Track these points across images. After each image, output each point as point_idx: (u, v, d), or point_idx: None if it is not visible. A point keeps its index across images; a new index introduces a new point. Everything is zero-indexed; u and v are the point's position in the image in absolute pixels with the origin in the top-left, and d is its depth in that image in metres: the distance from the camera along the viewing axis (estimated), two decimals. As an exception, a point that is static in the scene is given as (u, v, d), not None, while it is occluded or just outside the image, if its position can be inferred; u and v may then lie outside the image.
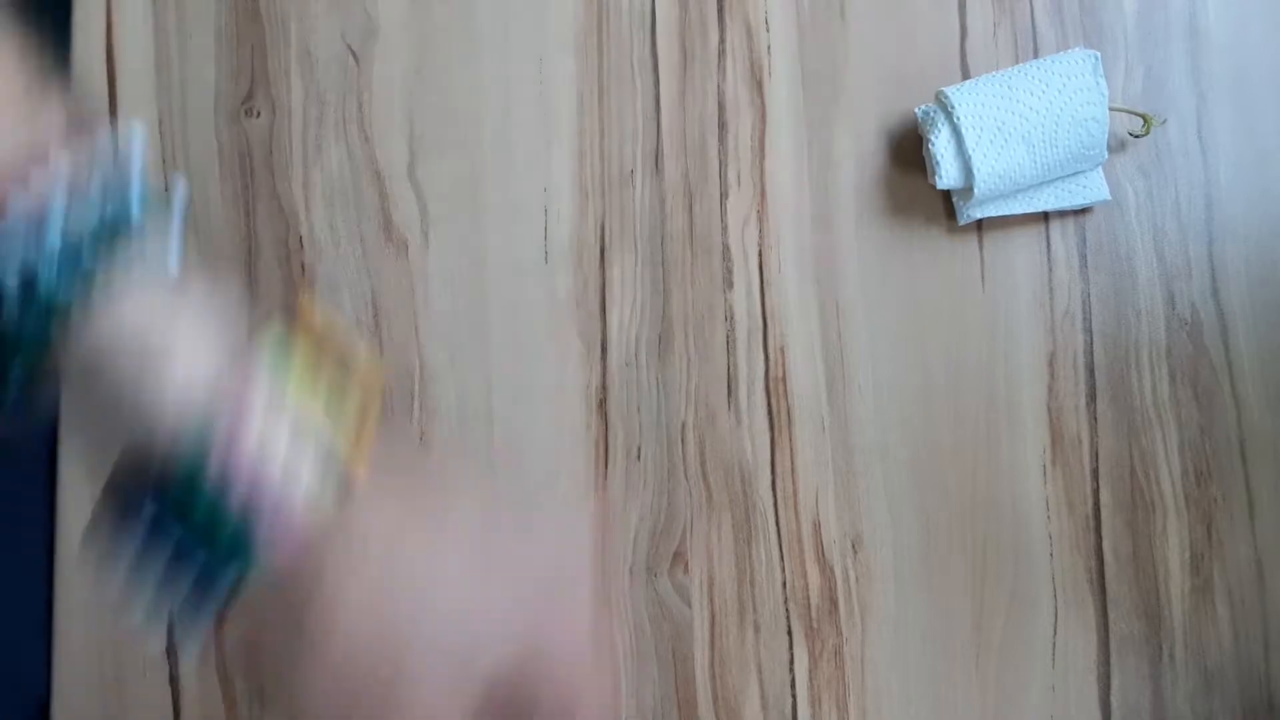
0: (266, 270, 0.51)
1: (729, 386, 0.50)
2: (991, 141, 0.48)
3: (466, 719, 0.28)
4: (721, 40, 0.52)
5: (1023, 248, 0.51)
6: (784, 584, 0.49)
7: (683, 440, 0.50)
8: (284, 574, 0.28)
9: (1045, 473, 0.50)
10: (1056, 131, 0.48)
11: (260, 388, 0.28)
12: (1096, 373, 0.50)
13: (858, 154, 0.52)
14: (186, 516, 0.28)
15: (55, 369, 0.28)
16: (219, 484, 0.27)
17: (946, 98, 0.49)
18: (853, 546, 0.49)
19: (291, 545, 0.28)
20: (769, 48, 0.52)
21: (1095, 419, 0.50)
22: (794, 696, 0.49)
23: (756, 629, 0.49)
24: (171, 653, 0.49)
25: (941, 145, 0.49)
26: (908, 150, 0.51)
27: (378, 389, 0.31)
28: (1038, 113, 0.48)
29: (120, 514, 0.29)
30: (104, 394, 0.28)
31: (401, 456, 0.31)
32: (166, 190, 0.32)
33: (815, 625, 0.49)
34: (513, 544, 0.31)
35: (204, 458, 0.27)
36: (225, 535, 0.28)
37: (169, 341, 0.29)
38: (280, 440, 0.28)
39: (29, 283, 0.27)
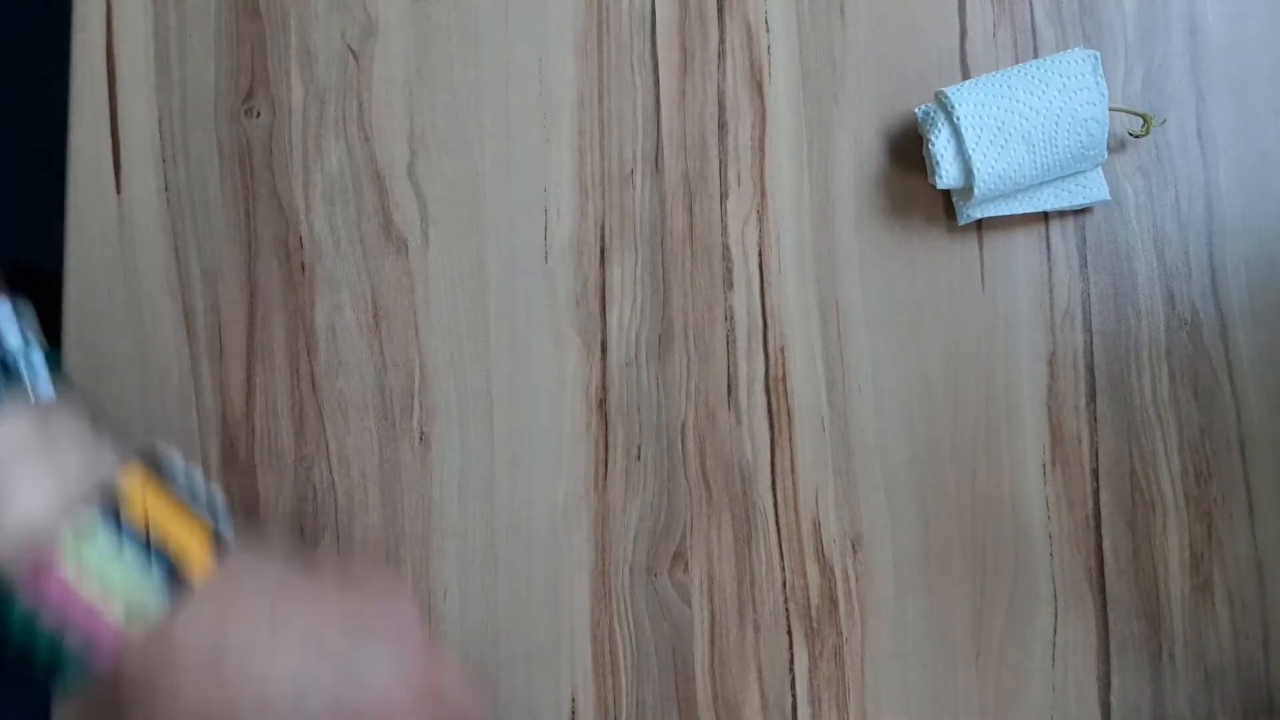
0: (266, 270, 0.51)
1: (729, 386, 0.50)
2: (991, 141, 0.48)
3: None
4: (721, 40, 0.52)
5: (1023, 248, 0.51)
6: (784, 584, 0.49)
7: (683, 440, 0.50)
8: (107, 682, 0.30)
9: (1045, 472, 0.50)
10: (1056, 131, 0.48)
11: (81, 518, 0.30)
12: (1096, 373, 0.50)
13: (858, 154, 0.52)
14: (4, 641, 0.29)
15: None
16: (30, 607, 0.29)
17: (946, 98, 0.49)
18: (853, 546, 0.49)
19: (109, 655, 0.29)
20: (769, 48, 0.52)
21: (1095, 419, 0.50)
22: (794, 696, 0.49)
23: (756, 628, 0.49)
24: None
25: (941, 145, 0.49)
26: (908, 150, 0.51)
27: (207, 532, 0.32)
28: (1038, 113, 0.48)
29: None
30: None
31: (244, 563, 0.33)
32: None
33: (815, 625, 0.49)
34: (343, 633, 0.33)
35: (13, 588, 0.29)
36: (41, 653, 0.29)
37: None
38: (85, 568, 0.30)
39: None
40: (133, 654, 0.30)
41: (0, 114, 0.94)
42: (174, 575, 0.31)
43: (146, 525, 0.31)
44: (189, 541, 0.32)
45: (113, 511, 0.31)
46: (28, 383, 0.32)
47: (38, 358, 0.33)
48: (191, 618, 0.31)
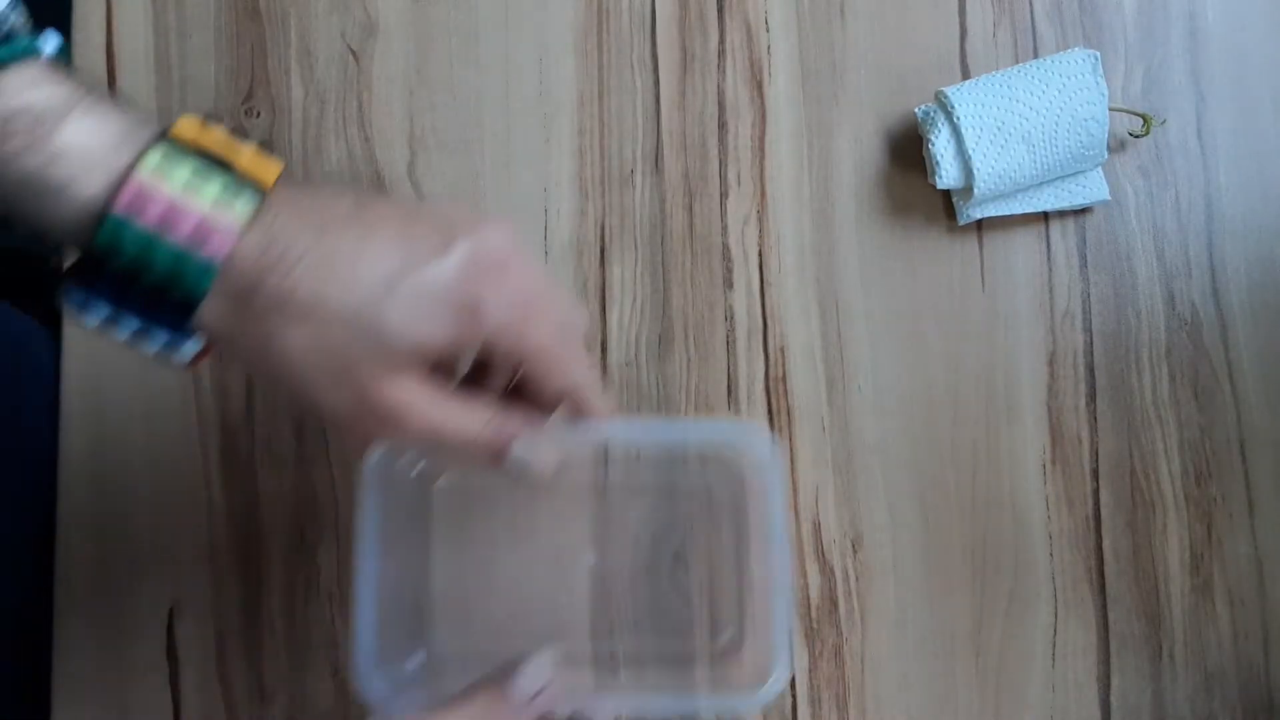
0: (266, 270, 0.51)
1: (729, 386, 0.50)
2: (991, 141, 0.48)
3: (441, 330, 0.33)
4: (721, 40, 0.52)
5: (1023, 248, 0.51)
6: None
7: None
8: (231, 283, 0.31)
9: (1045, 472, 0.50)
10: (1056, 131, 0.48)
11: (152, 151, 0.31)
12: (1096, 372, 0.50)
13: (858, 154, 0.52)
14: (125, 269, 0.31)
15: None
16: (143, 227, 0.30)
17: (946, 98, 0.49)
18: (853, 546, 0.49)
19: (223, 250, 0.31)
20: (769, 48, 0.52)
21: (1095, 419, 0.50)
22: (794, 696, 0.49)
23: (756, 629, 0.49)
24: (171, 653, 0.49)
25: (941, 145, 0.49)
26: (908, 150, 0.51)
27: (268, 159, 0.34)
28: (1038, 113, 0.48)
29: (79, 305, 0.32)
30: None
31: (315, 188, 0.34)
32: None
33: (815, 625, 0.49)
34: (437, 230, 0.34)
35: (119, 215, 0.30)
36: (160, 268, 0.31)
37: (61, 126, 0.31)
38: (176, 186, 0.31)
39: None
40: (244, 253, 0.31)
41: None
42: (256, 188, 0.32)
43: (216, 152, 0.32)
44: (258, 167, 0.33)
45: (181, 141, 0.32)
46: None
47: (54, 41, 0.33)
48: (282, 222, 0.32)
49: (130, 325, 0.32)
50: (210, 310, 0.32)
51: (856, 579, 0.49)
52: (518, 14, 0.53)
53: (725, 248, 0.51)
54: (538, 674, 0.37)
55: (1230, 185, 0.51)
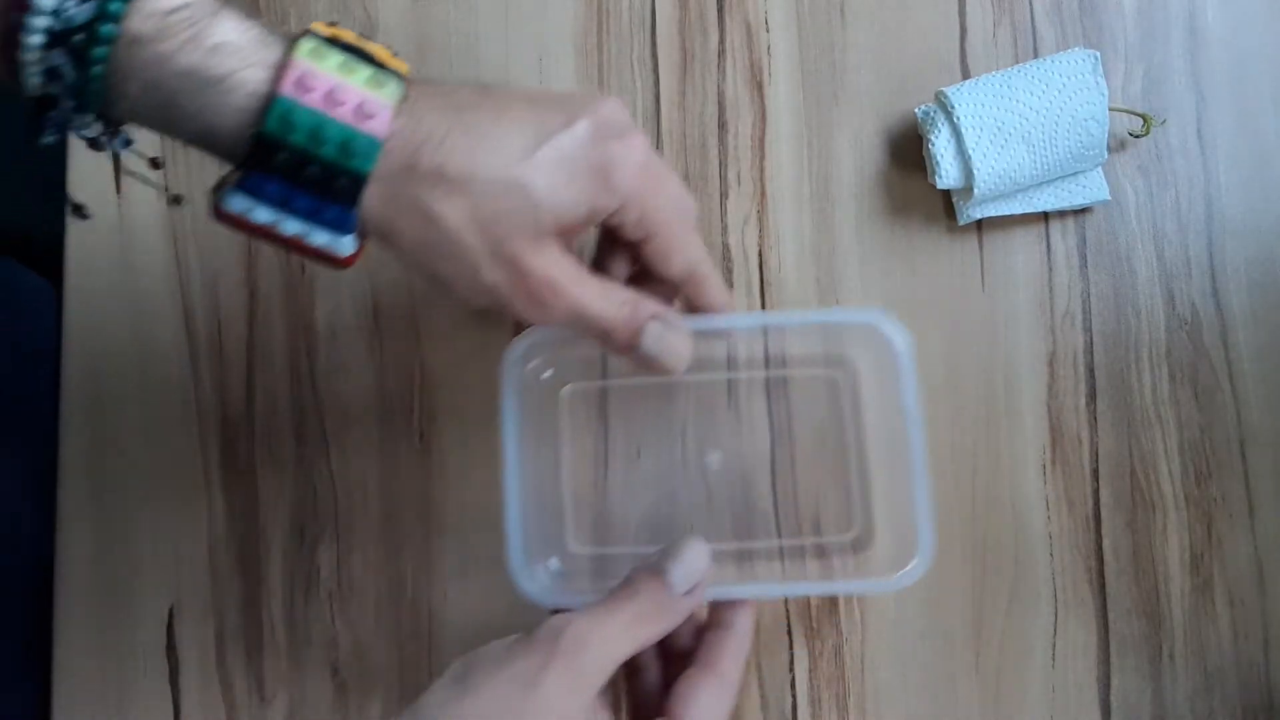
0: (266, 271, 0.51)
1: (729, 386, 0.50)
2: (991, 141, 0.48)
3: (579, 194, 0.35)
4: (721, 40, 0.53)
5: (1022, 248, 0.51)
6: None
7: (683, 440, 0.50)
8: (388, 163, 0.33)
9: (1045, 472, 0.50)
10: (1056, 131, 0.48)
11: (304, 41, 0.33)
12: (1096, 372, 0.50)
13: (858, 154, 0.52)
14: (297, 151, 0.32)
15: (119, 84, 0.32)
16: (310, 108, 0.32)
17: (946, 98, 0.49)
18: (852, 546, 0.49)
19: (383, 128, 0.33)
20: (769, 48, 0.52)
21: (1095, 419, 0.50)
22: (794, 696, 0.49)
23: (756, 629, 0.49)
24: (171, 653, 0.49)
25: (941, 145, 0.49)
26: (908, 150, 0.51)
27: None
28: (1037, 113, 0.48)
29: (244, 208, 0.33)
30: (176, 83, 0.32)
31: (434, 81, 0.36)
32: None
33: (815, 625, 0.49)
34: (561, 109, 0.36)
35: (291, 105, 0.32)
36: (330, 146, 0.32)
37: (216, 31, 0.32)
38: (332, 69, 0.33)
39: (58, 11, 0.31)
40: (398, 133, 0.33)
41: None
42: (399, 75, 0.34)
43: (355, 45, 0.34)
44: (392, 60, 0.35)
45: (322, 36, 0.33)
46: None
47: None
48: (423, 106, 0.34)
49: (294, 221, 0.34)
50: (370, 194, 0.33)
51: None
52: (518, 14, 0.53)
53: (725, 247, 0.51)
54: (695, 563, 0.39)
55: (1230, 185, 0.51)
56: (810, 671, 0.49)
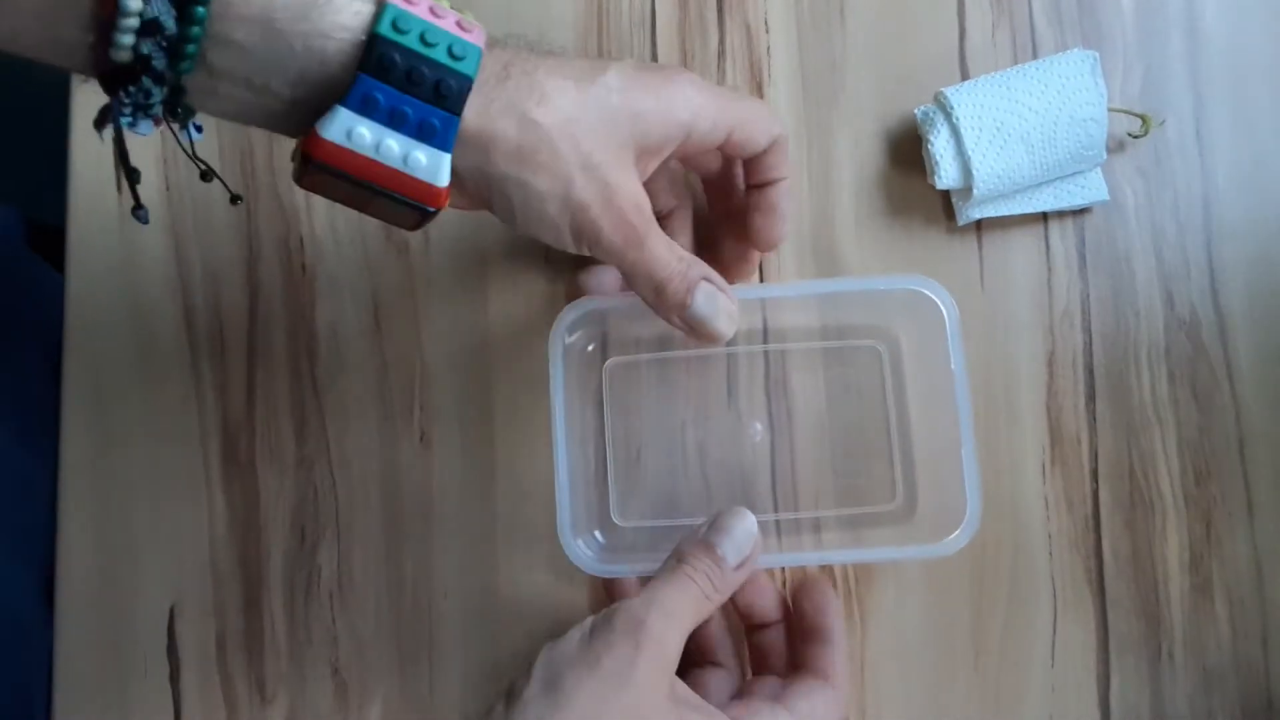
0: (266, 270, 0.51)
1: (729, 387, 0.50)
2: (991, 142, 0.48)
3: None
4: (721, 40, 0.53)
5: (1022, 248, 0.51)
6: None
7: (683, 440, 0.50)
8: (485, 74, 0.35)
9: (1044, 472, 0.50)
10: (1055, 132, 0.48)
11: None
12: (1096, 373, 0.50)
13: (857, 154, 0.52)
14: (409, 56, 0.33)
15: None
16: (419, 21, 0.34)
17: (946, 98, 0.49)
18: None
19: (481, 38, 0.35)
20: (769, 48, 0.53)
21: (1095, 419, 0.50)
22: (794, 696, 0.49)
23: (756, 629, 0.49)
24: (171, 653, 0.49)
25: (941, 145, 0.49)
26: (907, 150, 0.51)
27: None
28: (1037, 113, 0.48)
29: (360, 107, 0.34)
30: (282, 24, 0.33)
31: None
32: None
33: (815, 625, 0.49)
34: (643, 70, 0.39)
35: (401, 12, 0.33)
36: (441, 51, 0.34)
37: None
38: None
39: None
40: (489, 49, 0.36)
41: (0, 115, 0.94)
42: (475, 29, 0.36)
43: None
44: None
45: None
46: None
47: None
48: (501, 42, 0.37)
49: (397, 139, 0.34)
50: (470, 105, 0.34)
51: (856, 579, 0.49)
52: (518, 14, 0.53)
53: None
54: (745, 536, 0.40)
55: (1229, 186, 0.51)
56: (810, 671, 0.49)
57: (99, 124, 0.33)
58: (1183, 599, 0.49)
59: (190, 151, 0.37)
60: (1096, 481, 0.50)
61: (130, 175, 0.37)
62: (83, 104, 0.51)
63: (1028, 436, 0.50)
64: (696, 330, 0.40)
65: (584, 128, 0.36)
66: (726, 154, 0.42)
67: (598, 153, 0.36)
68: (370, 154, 0.34)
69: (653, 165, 0.39)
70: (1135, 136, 0.50)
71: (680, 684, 0.38)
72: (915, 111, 0.51)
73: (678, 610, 0.37)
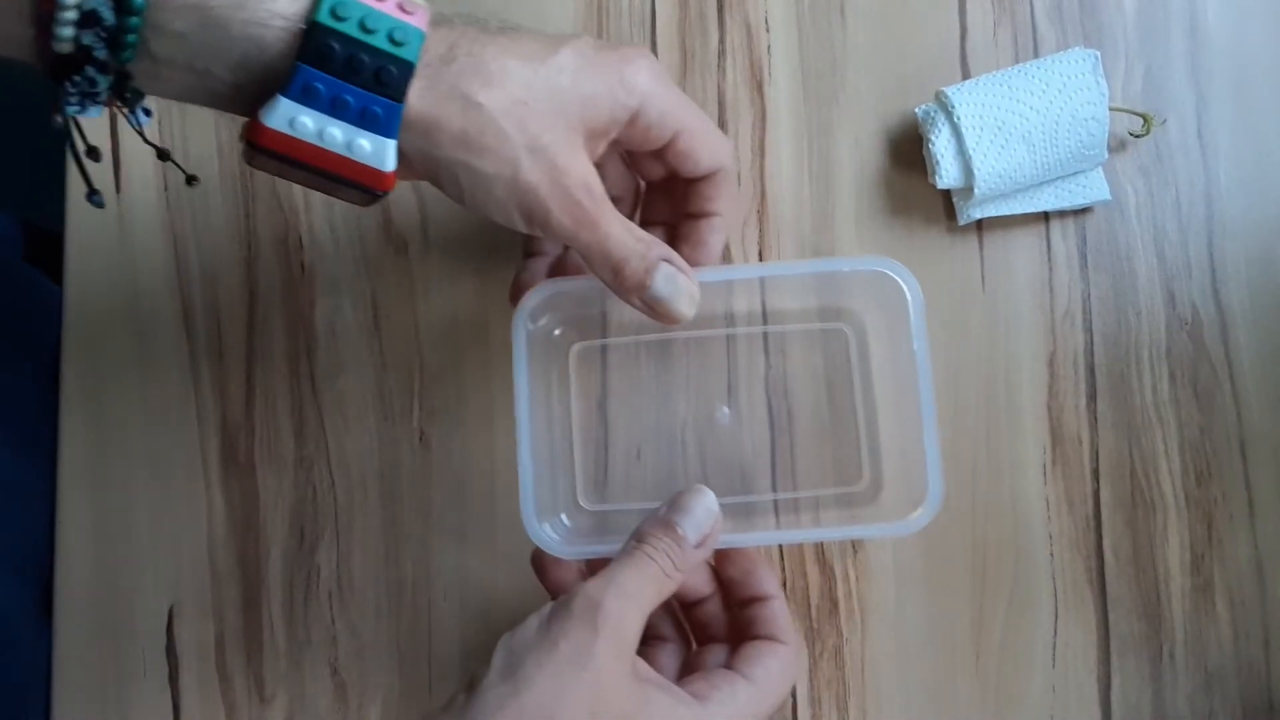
0: (266, 270, 0.51)
1: (729, 387, 0.50)
2: (992, 141, 0.48)
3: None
4: (721, 40, 0.52)
5: (1023, 248, 0.51)
6: (784, 584, 0.49)
7: (683, 440, 0.50)
8: (429, 55, 0.35)
9: (1045, 472, 0.50)
10: (1056, 131, 0.48)
11: None
12: (1097, 373, 0.50)
13: (858, 154, 0.52)
14: (349, 42, 0.33)
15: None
16: (358, 9, 0.33)
17: (946, 97, 0.49)
18: (853, 546, 0.49)
19: (424, 21, 0.35)
20: (769, 48, 0.52)
21: (1095, 419, 0.50)
22: (794, 696, 0.49)
23: (756, 629, 0.49)
24: (171, 653, 0.49)
25: (941, 145, 0.49)
26: (908, 150, 0.51)
27: None
28: (1038, 112, 0.48)
29: (300, 96, 0.34)
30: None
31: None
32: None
33: (815, 625, 0.49)
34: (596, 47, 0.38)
35: (338, 1, 0.33)
36: (380, 37, 0.34)
37: None
38: None
39: None
40: (433, 30, 0.35)
41: (0, 116, 0.94)
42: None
43: None
44: None
45: None
46: None
47: None
48: (447, 19, 0.36)
49: (340, 127, 0.34)
50: (413, 89, 0.34)
51: (856, 579, 0.49)
52: (518, 13, 0.53)
53: (725, 248, 0.51)
54: (705, 515, 0.40)
55: (1230, 185, 0.51)
56: (810, 672, 0.49)
57: (52, 112, 0.34)
58: (1184, 599, 0.49)
59: (141, 133, 0.37)
60: (1097, 481, 0.50)
61: (90, 155, 0.37)
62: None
63: (1029, 436, 0.50)
64: (656, 311, 0.40)
65: (531, 110, 0.35)
66: (669, 164, 0.42)
67: (545, 134, 0.36)
68: (314, 141, 0.34)
69: (602, 146, 0.39)
70: (1136, 136, 0.50)
71: (642, 663, 0.37)
72: (916, 111, 0.51)
73: (637, 591, 0.37)
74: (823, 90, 0.52)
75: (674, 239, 0.43)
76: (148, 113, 0.35)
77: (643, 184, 0.46)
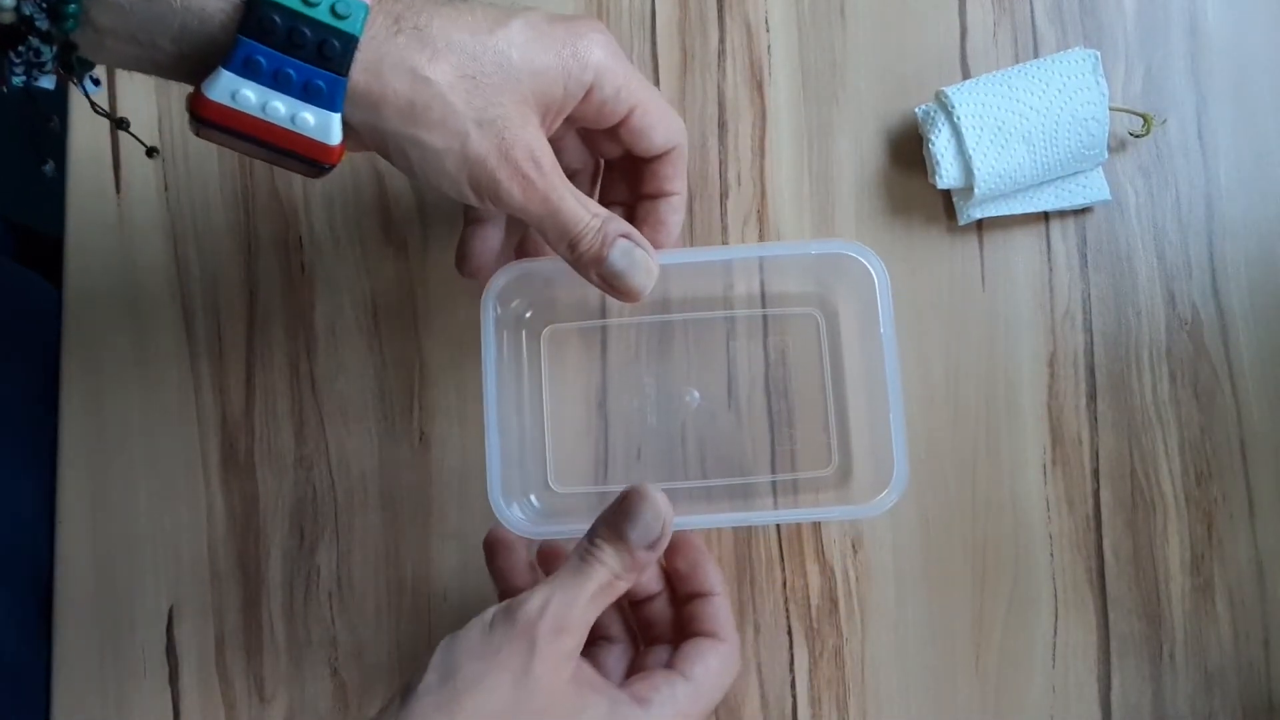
0: (266, 270, 0.51)
1: (729, 387, 0.50)
2: (992, 141, 0.48)
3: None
4: (721, 40, 0.52)
5: (1023, 248, 0.51)
6: (784, 584, 0.49)
7: (683, 440, 0.50)
8: (375, 29, 0.34)
9: (1045, 472, 0.50)
10: (1057, 131, 0.48)
11: None
12: (1097, 373, 0.50)
13: (858, 154, 0.52)
14: (291, 14, 0.33)
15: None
16: None
17: (946, 97, 0.49)
18: (853, 546, 0.49)
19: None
20: (769, 48, 0.52)
21: (1095, 419, 0.50)
22: (794, 696, 0.49)
23: (756, 629, 0.49)
24: (171, 653, 0.49)
25: (941, 145, 0.49)
26: (908, 150, 0.51)
27: None
28: (1038, 112, 0.48)
29: (242, 69, 0.33)
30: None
31: None
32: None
33: (815, 625, 0.49)
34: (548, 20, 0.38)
35: None
36: (324, 10, 0.33)
37: None
38: None
39: None
40: (379, 3, 0.35)
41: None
42: None
43: None
44: None
45: None
46: None
47: None
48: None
49: (282, 100, 0.34)
50: (358, 62, 0.34)
51: (857, 579, 0.49)
52: (518, 14, 0.53)
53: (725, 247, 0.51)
54: (653, 520, 0.39)
55: (1231, 185, 0.51)
56: (810, 672, 0.49)
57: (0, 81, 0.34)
58: (1184, 599, 0.49)
59: (92, 103, 0.37)
60: (1097, 481, 0.50)
61: (119, 125, 0.38)
62: (80, 104, 0.51)
63: (1029, 436, 0.50)
64: (614, 286, 0.40)
65: (479, 83, 0.35)
66: (624, 142, 0.41)
67: (493, 107, 0.35)
68: (256, 114, 0.34)
69: (557, 121, 0.38)
70: (1137, 135, 0.50)
71: (585, 667, 0.37)
72: (916, 110, 0.51)
73: (582, 596, 0.37)
74: (823, 90, 0.52)
75: (633, 220, 0.43)
76: (96, 82, 0.35)
77: (601, 162, 0.46)
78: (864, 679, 0.49)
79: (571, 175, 0.44)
